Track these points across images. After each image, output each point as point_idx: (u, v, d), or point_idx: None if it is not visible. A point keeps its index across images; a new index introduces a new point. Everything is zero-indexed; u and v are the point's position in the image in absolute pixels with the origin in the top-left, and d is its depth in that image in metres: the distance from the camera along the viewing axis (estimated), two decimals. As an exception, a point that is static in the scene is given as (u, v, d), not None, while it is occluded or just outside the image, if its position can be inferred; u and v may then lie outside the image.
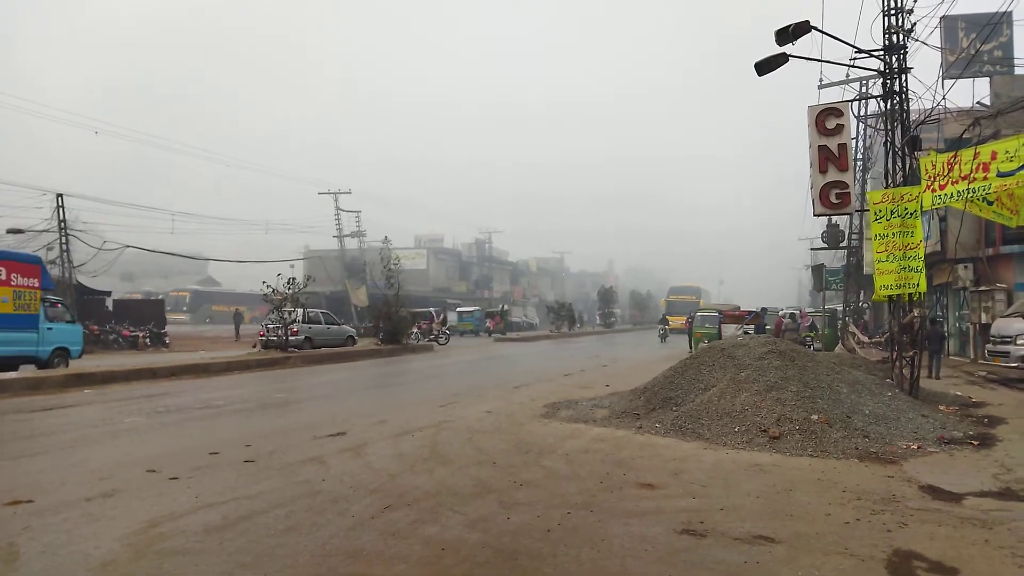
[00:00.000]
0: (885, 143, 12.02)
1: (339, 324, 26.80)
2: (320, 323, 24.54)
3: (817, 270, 30.34)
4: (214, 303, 63.70)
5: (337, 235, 45.58)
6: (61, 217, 29.41)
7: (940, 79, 13.61)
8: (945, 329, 20.11)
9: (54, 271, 28.55)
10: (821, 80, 26.00)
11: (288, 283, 21.21)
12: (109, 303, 31.47)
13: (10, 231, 28.32)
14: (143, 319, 29.74)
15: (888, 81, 11.40)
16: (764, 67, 10.48)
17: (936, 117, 13.47)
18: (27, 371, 14.82)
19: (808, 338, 24.15)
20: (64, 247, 29.23)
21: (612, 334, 50.68)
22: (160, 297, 45.28)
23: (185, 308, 61.41)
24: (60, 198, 29.50)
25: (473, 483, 6.23)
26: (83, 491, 5.78)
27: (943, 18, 20.13)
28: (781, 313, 27.09)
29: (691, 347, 23.90)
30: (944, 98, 12.76)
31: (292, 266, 34.00)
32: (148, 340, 27.91)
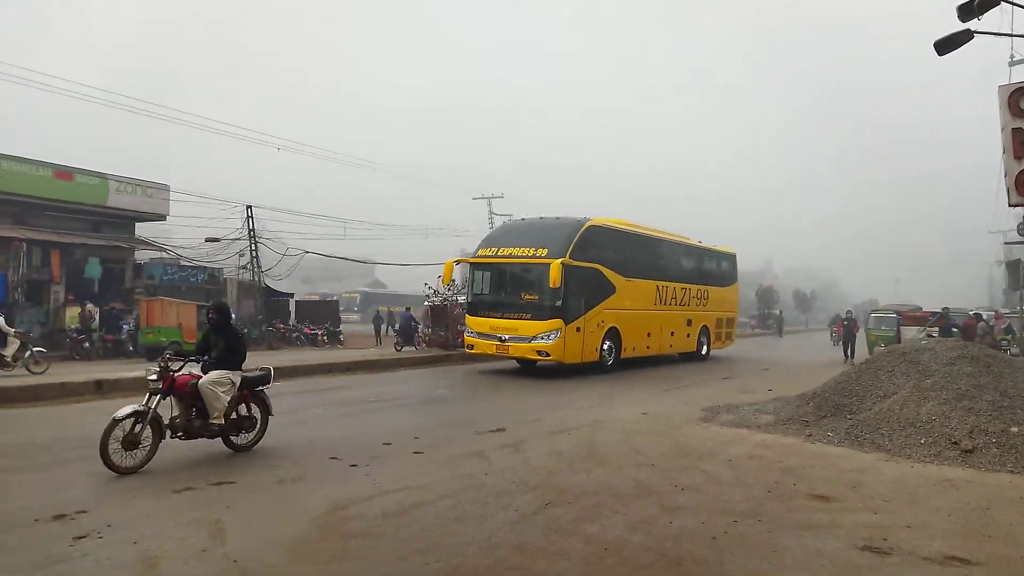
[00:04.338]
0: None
1: None
2: None
3: (1013, 266, 26.84)
4: (381, 304, 67.87)
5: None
6: (251, 227, 32.58)
7: None
8: None
9: (245, 276, 31.75)
10: (1012, 57, 23.13)
11: (449, 284, 22.15)
12: (292, 304, 34.49)
13: (208, 240, 31.80)
14: (320, 318, 32.30)
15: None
16: (945, 46, 9.54)
17: None
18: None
19: (1004, 341, 21.61)
20: (254, 253, 32.35)
21: (773, 337, 48.10)
22: (335, 298, 48.80)
23: (356, 308, 65.92)
24: (249, 209, 32.70)
25: (632, 484, 6.20)
26: (277, 474, 6.39)
27: None
28: (972, 313, 24.36)
29: (846, 354, 22.42)
30: None
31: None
32: (325, 338, 30.21)
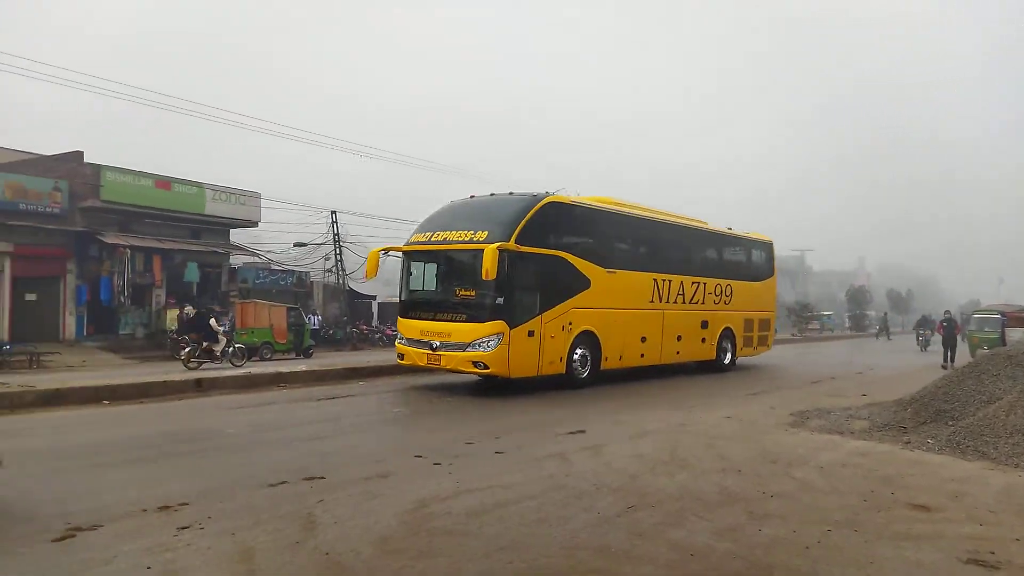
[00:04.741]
0: None
1: None
2: None
3: None
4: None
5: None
6: (335, 231, 33.70)
7: None
8: None
9: (331, 279, 32.83)
10: None
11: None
12: (375, 306, 35.50)
13: (296, 244, 33.08)
14: (401, 320, 33.11)
15: None
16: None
17: None
18: (314, 364, 17.27)
19: None
20: (338, 257, 33.46)
21: (866, 339, 45.98)
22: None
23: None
24: (334, 215, 33.82)
25: (718, 490, 6.05)
26: (363, 471, 6.57)
27: None
28: None
29: (945, 358, 20.84)
30: None
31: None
32: (406, 339, 30.93)
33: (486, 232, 11.96)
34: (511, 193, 13.09)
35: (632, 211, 15.38)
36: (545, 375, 12.66)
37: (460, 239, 12.36)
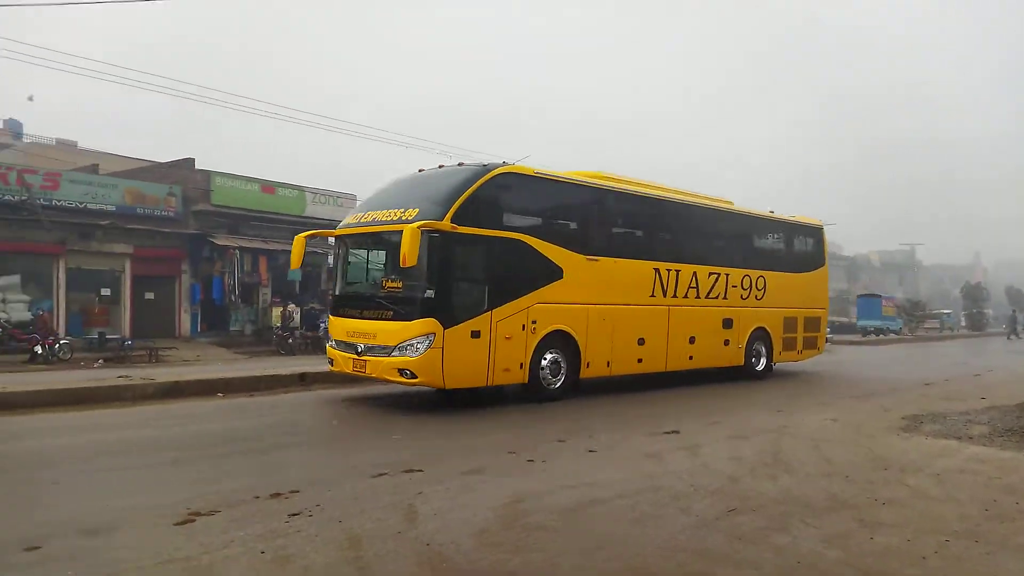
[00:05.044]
0: None
1: None
2: None
3: None
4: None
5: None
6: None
7: None
8: None
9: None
10: None
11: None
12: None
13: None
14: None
15: None
16: None
17: None
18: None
19: None
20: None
21: (984, 338, 42.92)
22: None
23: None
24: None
25: (824, 495, 5.81)
26: (457, 465, 6.70)
27: None
28: None
29: None
30: None
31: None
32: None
33: (417, 210, 9.81)
34: (461, 163, 10.95)
35: (625, 187, 12.78)
36: (500, 385, 10.57)
37: (389, 219, 10.15)
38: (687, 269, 13.30)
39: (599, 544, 4.57)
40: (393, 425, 9.12)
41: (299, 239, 11.46)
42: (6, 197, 21.02)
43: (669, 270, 12.92)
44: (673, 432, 8.50)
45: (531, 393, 10.78)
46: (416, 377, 9.58)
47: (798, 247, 16.75)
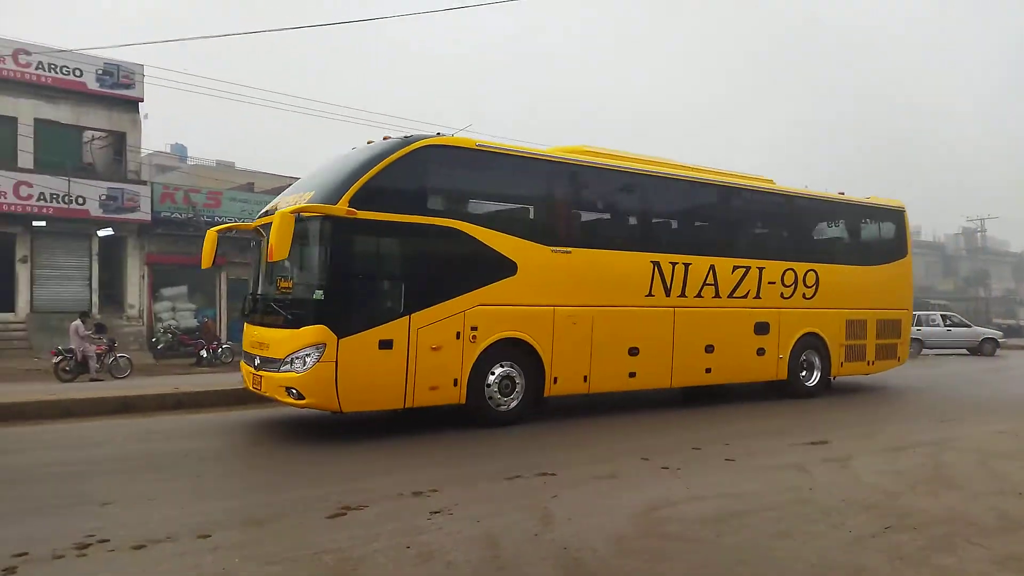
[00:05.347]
0: None
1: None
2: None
3: None
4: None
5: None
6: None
7: None
8: None
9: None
10: None
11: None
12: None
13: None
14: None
15: None
16: None
17: None
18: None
19: None
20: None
21: None
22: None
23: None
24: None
25: (995, 514, 5.29)
26: (591, 471, 6.67)
27: None
28: None
29: None
30: None
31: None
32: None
33: (311, 193, 8.25)
34: (386, 137, 8.85)
35: (609, 163, 10.32)
36: (425, 407, 8.56)
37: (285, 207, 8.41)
38: (700, 262, 10.72)
39: (742, 558, 4.39)
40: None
41: (211, 234, 9.76)
42: (175, 215, 23.34)
43: (674, 264, 10.39)
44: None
45: (473, 416, 8.80)
46: (304, 398, 7.86)
47: (866, 235, 14.00)
